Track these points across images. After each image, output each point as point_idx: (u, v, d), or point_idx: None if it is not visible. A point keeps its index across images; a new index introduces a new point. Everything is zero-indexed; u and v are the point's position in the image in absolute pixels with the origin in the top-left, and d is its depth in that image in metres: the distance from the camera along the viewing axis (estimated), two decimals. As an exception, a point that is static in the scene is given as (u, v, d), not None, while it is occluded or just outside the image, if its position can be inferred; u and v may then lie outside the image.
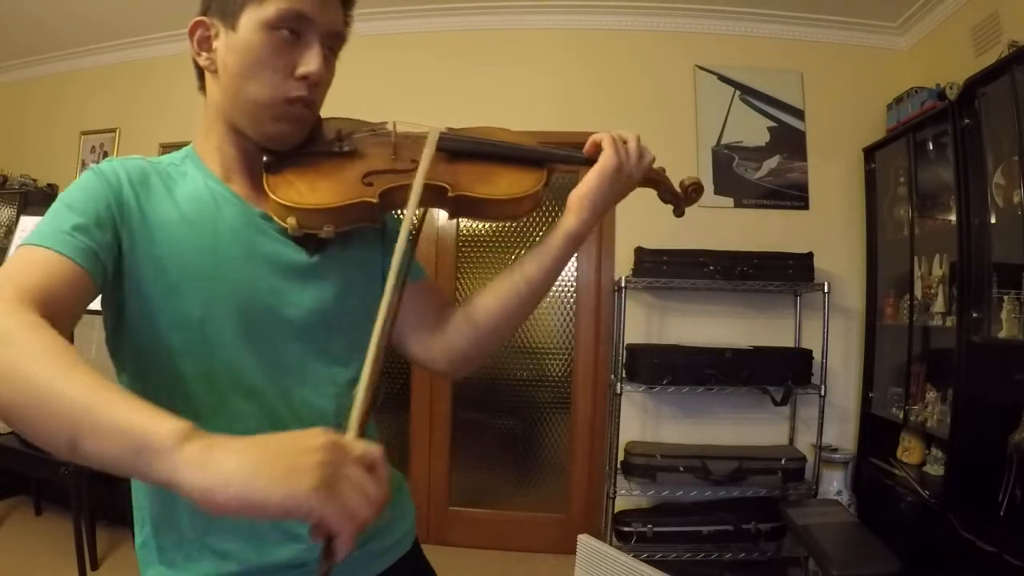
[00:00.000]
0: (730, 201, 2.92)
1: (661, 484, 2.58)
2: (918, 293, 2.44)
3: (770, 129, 2.96)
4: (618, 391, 2.64)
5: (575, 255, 0.83)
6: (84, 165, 3.54)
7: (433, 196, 0.75)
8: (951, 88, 2.23)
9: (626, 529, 2.59)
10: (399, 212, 0.74)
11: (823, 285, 2.63)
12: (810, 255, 2.70)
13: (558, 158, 0.83)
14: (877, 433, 2.69)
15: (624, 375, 2.68)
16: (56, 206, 0.64)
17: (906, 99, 2.60)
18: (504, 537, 3.02)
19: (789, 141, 2.96)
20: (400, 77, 3.02)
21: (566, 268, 0.83)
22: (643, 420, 2.90)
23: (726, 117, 2.97)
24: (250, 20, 0.69)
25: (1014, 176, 1.97)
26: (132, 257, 0.67)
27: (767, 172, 2.95)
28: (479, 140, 0.81)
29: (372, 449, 0.48)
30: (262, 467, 0.43)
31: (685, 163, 2.92)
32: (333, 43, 0.74)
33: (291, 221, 0.70)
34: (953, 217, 2.23)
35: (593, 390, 3.01)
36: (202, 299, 0.68)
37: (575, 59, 3.03)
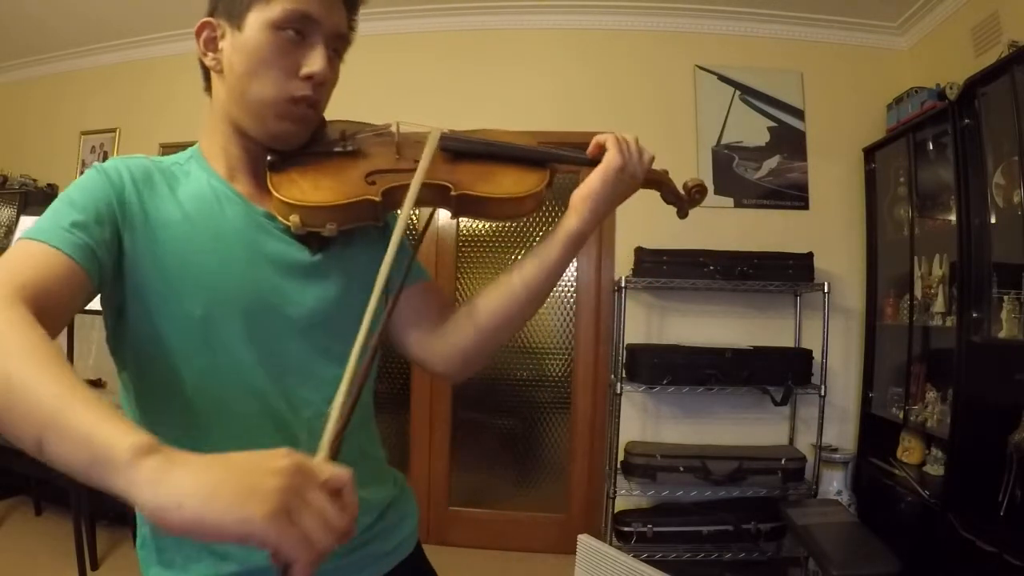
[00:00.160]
0: (730, 201, 2.93)
1: (661, 484, 2.58)
2: (918, 293, 2.44)
3: (770, 129, 2.96)
4: (618, 391, 2.64)
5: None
6: (84, 165, 3.54)
7: (436, 195, 0.76)
8: (951, 88, 2.23)
9: (626, 529, 2.59)
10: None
11: (823, 285, 2.63)
12: (810, 255, 2.70)
13: (561, 158, 0.83)
14: (877, 433, 2.69)
15: (624, 375, 2.68)
16: (57, 202, 0.64)
17: (906, 99, 2.60)
18: (504, 537, 3.02)
19: (789, 141, 2.96)
20: (400, 77, 3.02)
21: (567, 268, 0.83)
22: (643, 420, 2.90)
23: (726, 117, 2.97)
24: (256, 20, 0.70)
25: (1014, 176, 1.97)
26: (134, 256, 0.67)
27: (767, 172, 2.95)
28: (481, 140, 0.81)
29: (339, 473, 0.46)
30: (219, 489, 0.41)
31: (685, 163, 2.92)
32: (337, 45, 0.75)
33: (294, 219, 0.70)
34: (953, 217, 2.23)
35: (593, 390, 3.01)
36: (204, 298, 0.68)
37: (575, 59, 3.03)
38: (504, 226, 3.13)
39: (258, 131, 0.73)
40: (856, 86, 2.95)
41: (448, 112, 2.97)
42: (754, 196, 2.93)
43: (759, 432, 2.84)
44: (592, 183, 0.77)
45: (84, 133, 3.55)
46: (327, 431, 0.52)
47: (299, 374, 0.72)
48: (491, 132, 0.86)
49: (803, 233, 2.87)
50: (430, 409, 3.08)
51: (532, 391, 3.15)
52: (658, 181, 0.87)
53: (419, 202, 0.72)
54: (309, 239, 0.74)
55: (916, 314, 2.45)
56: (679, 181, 0.90)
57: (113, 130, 3.48)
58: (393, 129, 0.81)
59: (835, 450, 2.71)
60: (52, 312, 0.55)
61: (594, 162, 0.80)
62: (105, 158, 3.47)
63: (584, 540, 1.29)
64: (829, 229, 2.91)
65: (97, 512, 2.68)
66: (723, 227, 2.82)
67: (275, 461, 0.43)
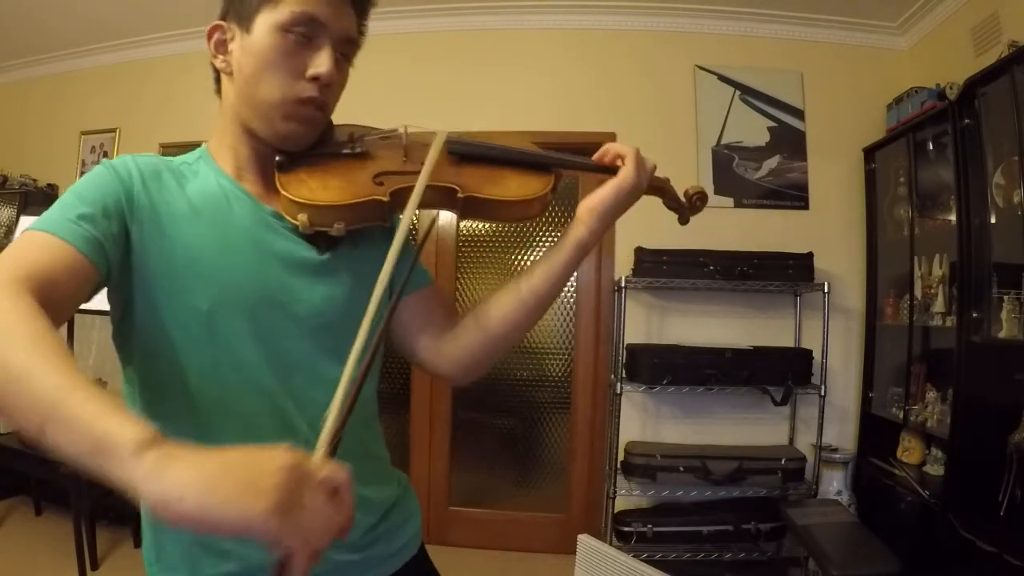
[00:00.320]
0: (730, 201, 2.93)
1: (661, 484, 2.58)
2: (918, 293, 2.44)
3: (770, 129, 2.96)
4: (618, 391, 2.64)
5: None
6: (84, 165, 3.54)
7: (443, 197, 0.77)
8: (951, 88, 2.23)
9: (626, 529, 2.59)
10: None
11: (823, 285, 2.63)
12: (810, 255, 2.70)
13: (566, 163, 0.85)
14: (877, 433, 2.69)
15: (624, 375, 2.68)
16: (65, 196, 0.65)
17: (906, 99, 2.60)
18: (504, 537, 3.02)
19: (789, 141, 2.96)
20: (400, 77, 3.02)
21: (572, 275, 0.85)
22: (643, 420, 2.90)
23: (726, 117, 2.97)
24: (264, 23, 0.71)
25: (1014, 176, 1.97)
26: (141, 250, 0.67)
27: (767, 172, 2.95)
28: (488, 144, 0.82)
29: (337, 473, 0.46)
30: (219, 483, 0.41)
31: (685, 163, 2.92)
32: (345, 48, 0.75)
33: (302, 218, 0.71)
34: (953, 217, 2.23)
35: (593, 390, 3.01)
36: (211, 293, 0.68)
37: (575, 59, 3.03)
38: (504, 227, 3.13)
39: (266, 132, 0.74)
40: (856, 86, 2.95)
41: (448, 112, 2.97)
42: (754, 196, 2.93)
43: (759, 432, 2.84)
44: (604, 196, 0.79)
45: (84, 133, 3.55)
46: (326, 428, 0.53)
47: (305, 374, 0.73)
48: (491, 137, 0.87)
49: (803, 233, 2.87)
50: (430, 409, 3.08)
51: (532, 391, 3.15)
52: (660, 188, 0.87)
53: (426, 204, 0.73)
54: (317, 239, 0.75)
55: (916, 314, 2.45)
56: (680, 186, 0.91)
57: (113, 130, 3.48)
58: (400, 132, 0.82)
59: (835, 450, 2.71)
60: (57, 303, 0.56)
61: (600, 168, 0.82)
62: (105, 158, 3.49)
63: (584, 540, 1.29)
64: (829, 229, 2.91)
65: (97, 512, 2.68)
66: (723, 227, 2.82)
67: (274, 457, 0.44)
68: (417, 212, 0.72)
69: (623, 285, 2.68)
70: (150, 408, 0.70)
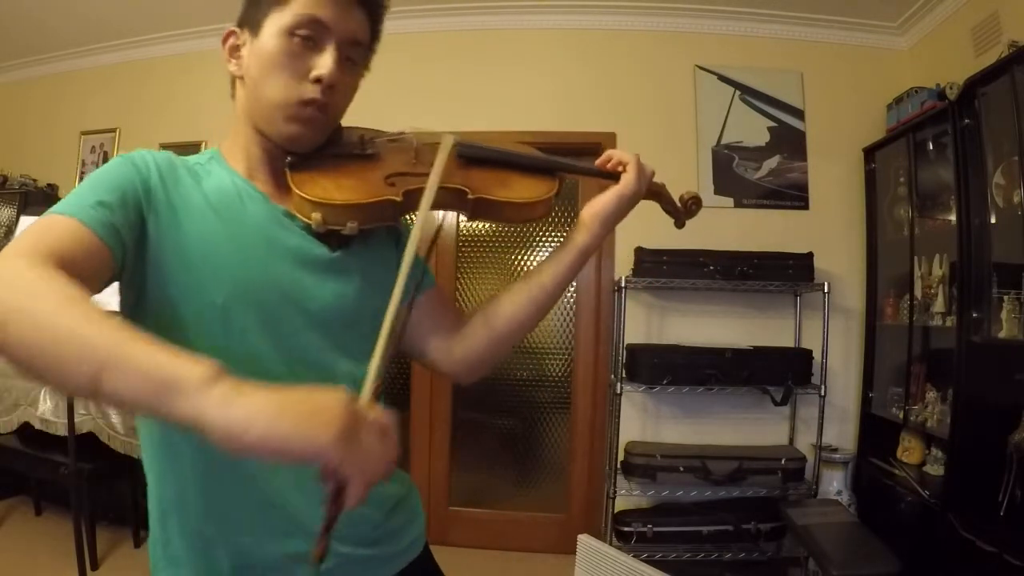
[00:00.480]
0: (730, 201, 2.93)
1: (661, 484, 2.58)
2: (918, 293, 2.44)
3: (770, 129, 2.96)
4: (618, 391, 2.64)
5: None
6: (84, 165, 3.54)
7: (454, 198, 0.79)
8: (951, 88, 2.23)
9: (626, 529, 2.59)
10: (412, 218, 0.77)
11: (823, 285, 2.63)
12: (810, 255, 2.70)
13: (570, 168, 0.88)
14: (877, 433, 2.69)
15: (624, 375, 2.68)
16: (82, 185, 0.66)
17: (906, 99, 2.60)
18: (504, 537, 3.02)
19: (789, 141, 2.96)
20: (400, 77, 3.01)
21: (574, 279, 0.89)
22: (643, 420, 2.90)
23: (726, 117, 2.97)
24: (271, 26, 0.72)
25: (1014, 176, 1.97)
26: (157, 241, 0.68)
27: (767, 172, 2.95)
28: (495, 148, 0.85)
29: (385, 415, 0.50)
30: (286, 411, 0.45)
31: (685, 163, 2.92)
32: (352, 51, 0.76)
33: (316, 217, 0.72)
34: (953, 217, 2.23)
35: (593, 390, 3.01)
36: (225, 287, 0.69)
37: (575, 59, 3.03)
38: (503, 228, 3.13)
39: (271, 133, 0.75)
40: (856, 86, 2.95)
41: (448, 112, 2.97)
42: (754, 196, 2.93)
43: (759, 432, 2.84)
44: (607, 203, 0.83)
45: (84, 133, 3.55)
46: (369, 376, 0.56)
47: (316, 368, 0.73)
48: (492, 138, 0.90)
49: (803, 233, 2.87)
50: (430, 409, 3.08)
51: (532, 391, 3.15)
52: (658, 194, 0.92)
53: (437, 204, 0.75)
54: (329, 237, 0.76)
55: (916, 314, 2.45)
56: (677, 190, 0.94)
57: (113, 130, 3.48)
58: (410, 135, 0.84)
59: (835, 450, 2.71)
60: (78, 281, 0.56)
61: (603, 174, 0.85)
62: (105, 158, 3.49)
63: (584, 540, 1.29)
64: (829, 229, 2.91)
65: (97, 512, 2.68)
66: (723, 227, 2.82)
67: (333, 396, 0.48)
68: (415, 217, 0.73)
69: (623, 285, 2.68)
70: None
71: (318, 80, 0.72)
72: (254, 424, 0.44)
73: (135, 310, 0.70)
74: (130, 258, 0.66)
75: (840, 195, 2.93)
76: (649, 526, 2.59)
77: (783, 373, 2.59)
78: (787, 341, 2.83)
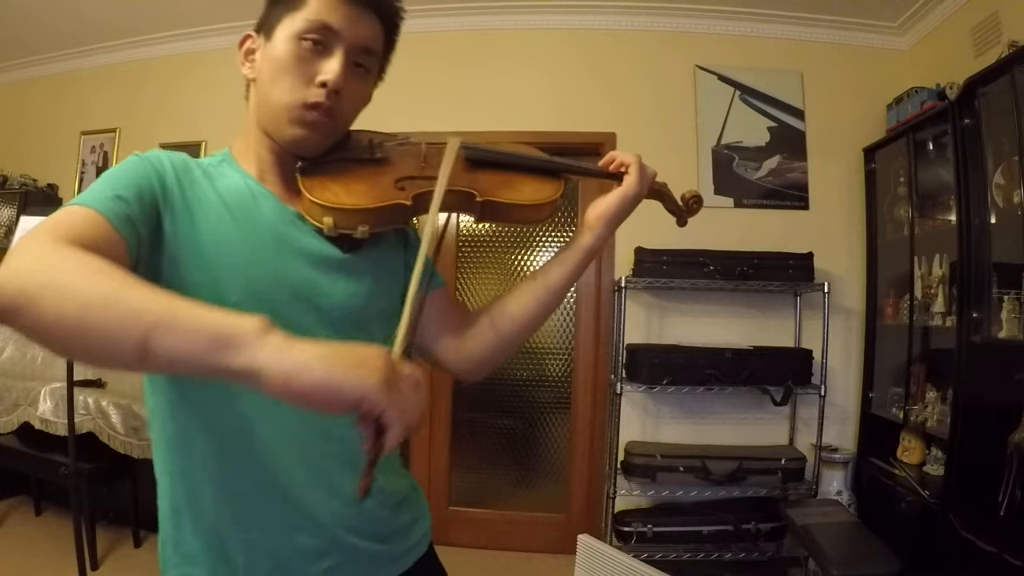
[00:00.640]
0: (730, 201, 2.93)
1: (661, 484, 2.58)
2: (918, 293, 2.44)
3: (770, 129, 2.96)
4: (618, 391, 2.64)
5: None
6: (84, 165, 3.54)
7: (462, 201, 0.81)
8: (951, 88, 2.23)
9: (626, 529, 2.59)
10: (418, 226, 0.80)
11: (823, 285, 2.63)
12: (810, 255, 2.70)
13: (574, 170, 0.91)
14: (877, 433, 2.69)
15: (624, 375, 2.68)
16: (99, 180, 0.67)
17: (906, 99, 2.60)
18: (504, 537, 3.02)
19: (789, 141, 2.96)
20: (400, 77, 3.00)
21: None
22: (643, 420, 2.90)
23: (726, 117, 2.97)
24: (283, 31, 0.74)
25: (1014, 176, 1.97)
26: (173, 238, 0.69)
27: (767, 172, 2.95)
28: (501, 151, 0.87)
29: (416, 370, 0.54)
30: (337, 359, 0.49)
31: (685, 163, 2.92)
32: (363, 59, 0.77)
33: (327, 220, 0.73)
34: (953, 217, 2.23)
35: (593, 390, 3.01)
36: (239, 285, 0.70)
37: (575, 59, 3.03)
38: (503, 228, 3.13)
39: (277, 135, 0.76)
40: (856, 86, 2.95)
41: (448, 112, 2.97)
42: (754, 196, 2.93)
43: (759, 432, 2.84)
44: (610, 205, 0.84)
45: (84, 133, 3.55)
46: (399, 335, 0.59)
47: None
48: (492, 138, 0.91)
49: (803, 233, 2.87)
50: (430, 409, 3.08)
51: (532, 391, 3.15)
52: (660, 193, 0.93)
53: (446, 207, 0.76)
54: (341, 240, 0.77)
55: (916, 314, 2.45)
56: (678, 190, 0.95)
57: (113, 130, 3.49)
58: (418, 139, 0.85)
59: (835, 450, 2.71)
60: None
61: (606, 175, 0.87)
62: (105, 158, 3.49)
63: (584, 540, 1.29)
64: (829, 229, 2.91)
65: (97, 512, 2.68)
66: (723, 227, 2.82)
67: (371, 350, 0.52)
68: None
69: (623, 285, 2.68)
70: (177, 394, 0.71)
71: (323, 84, 0.73)
72: (311, 368, 0.47)
73: None
74: (144, 253, 0.66)
75: (840, 195, 2.93)
76: (649, 526, 2.59)
77: (783, 373, 2.59)
78: (787, 341, 2.83)
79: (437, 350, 0.88)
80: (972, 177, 2.14)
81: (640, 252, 2.73)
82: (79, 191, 3.54)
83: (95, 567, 2.55)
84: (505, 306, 0.86)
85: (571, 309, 3.08)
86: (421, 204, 0.77)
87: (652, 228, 2.71)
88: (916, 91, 2.53)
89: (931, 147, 2.50)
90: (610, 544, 2.12)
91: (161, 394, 0.72)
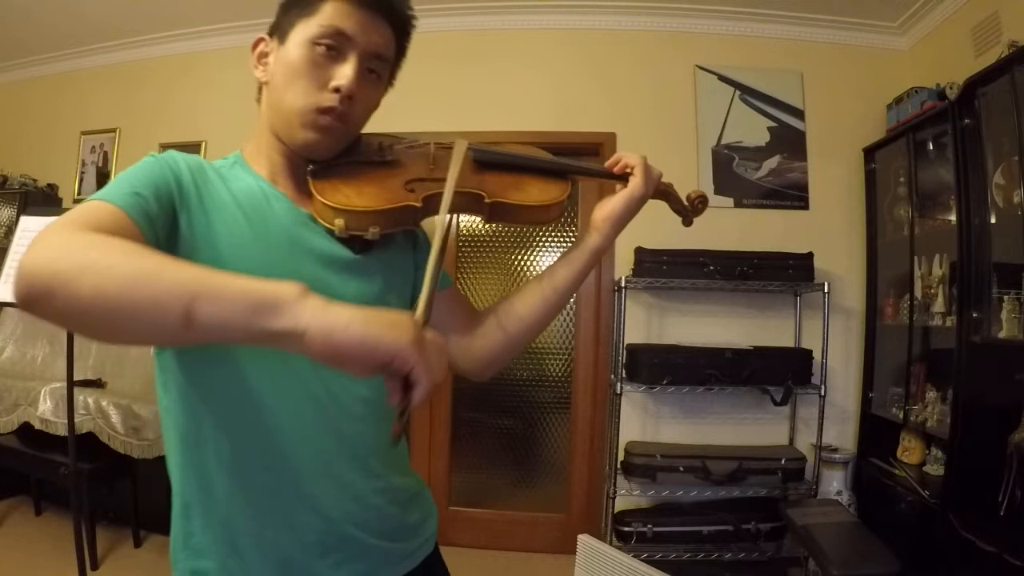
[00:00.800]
0: (730, 201, 2.93)
1: (661, 484, 2.58)
2: (918, 293, 2.44)
3: (770, 129, 2.96)
4: (618, 391, 2.64)
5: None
6: (84, 165, 3.54)
7: (471, 202, 0.82)
8: (951, 88, 2.23)
9: (626, 529, 2.59)
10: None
11: (823, 285, 2.63)
12: (810, 255, 2.70)
13: (581, 171, 0.91)
14: (877, 433, 2.69)
15: (624, 375, 2.68)
16: (115, 179, 0.67)
17: (906, 99, 2.60)
18: (504, 537, 3.02)
19: (789, 141, 2.96)
20: (400, 77, 3.01)
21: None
22: (643, 420, 2.90)
23: (726, 117, 2.97)
24: (298, 36, 0.75)
25: (1014, 176, 1.97)
26: (190, 239, 0.70)
27: (767, 172, 2.95)
28: (508, 153, 0.88)
29: (438, 336, 0.57)
30: (372, 319, 0.52)
31: (685, 163, 2.92)
32: (375, 65, 0.78)
33: (339, 223, 0.74)
34: (953, 217, 2.23)
35: (593, 390, 3.01)
36: None
37: (575, 59, 3.03)
38: (503, 228, 3.13)
39: (289, 139, 0.77)
40: (856, 86, 2.95)
41: (448, 112, 2.97)
42: (754, 196, 2.93)
43: (759, 432, 2.84)
44: (616, 206, 0.85)
45: (84, 133, 3.55)
46: (420, 305, 0.61)
47: None
48: (506, 146, 0.92)
49: (803, 233, 2.87)
50: (430, 409, 3.08)
51: (532, 391, 3.15)
52: (666, 194, 0.94)
53: (455, 208, 0.77)
54: (351, 241, 0.78)
55: (916, 314, 2.45)
56: (679, 190, 0.96)
57: (113, 130, 3.49)
58: (427, 141, 0.87)
59: (835, 450, 2.71)
60: None
61: (612, 176, 0.88)
62: (105, 158, 3.49)
63: (584, 540, 1.29)
64: (829, 229, 2.91)
65: (97, 512, 2.68)
66: (723, 227, 2.82)
67: (401, 314, 0.55)
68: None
69: (623, 285, 2.68)
70: (192, 387, 0.72)
71: (337, 90, 0.74)
72: (350, 326, 0.51)
73: None
74: (161, 250, 0.67)
75: (840, 195, 2.93)
76: (649, 526, 2.59)
77: (783, 373, 2.59)
78: (787, 341, 2.83)
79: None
80: (972, 177, 2.14)
81: (640, 252, 2.73)
82: (79, 191, 3.55)
83: (95, 567, 2.55)
84: (512, 306, 0.87)
85: (571, 309, 3.08)
86: (431, 206, 0.78)
87: (652, 228, 2.72)
88: (916, 91, 2.53)
89: (931, 147, 2.50)
90: (610, 544, 2.12)
91: (174, 390, 0.73)
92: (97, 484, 2.63)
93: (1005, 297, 1.99)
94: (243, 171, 0.79)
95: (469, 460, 3.18)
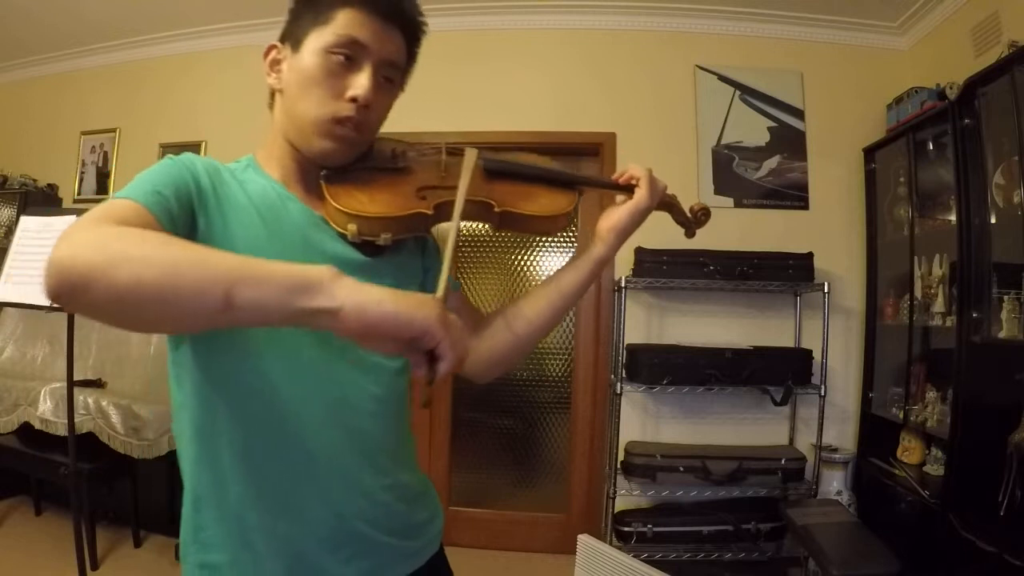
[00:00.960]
0: (730, 201, 2.93)
1: (661, 484, 2.58)
2: (918, 293, 2.44)
3: (770, 129, 2.96)
4: (618, 391, 2.64)
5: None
6: (84, 165, 3.54)
7: (480, 211, 0.83)
8: (951, 88, 2.23)
9: (626, 529, 2.59)
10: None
11: (823, 285, 2.63)
12: (810, 255, 2.70)
13: (588, 182, 0.94)
14: (877, 433, 2.69)
15: (624, 375, 2.68)
16: (135, 180, 0.68)
17: (906, 99, 2.60)
18: (504, 537, 3.02)
19: (789, 141, 2.96)
20: (400, 77, 3.02)
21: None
22: (643, 420, 2.90)
23: (726, 117, 2.97)
24: (312, 44, 0.76)
25: (1014, 176, 1.97)
26: (207, 238, 0.71)
27: (767, 172, 2.95)
28: (518, 163, 0.89)
29: (455, 316, 0.60)
30: (402, 298, 0.56)
31: (685, 163, 2.92)
32: (390, 72, 0.79)
33: (352, 228, 0.76)
34: (953, 217, 2.23)
35: (593, 390, 3.01)
36: None
37: (575, 59, 3.03)
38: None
39: (304, 147, 0.78)
40: (856, 86, 2.95)
41: (448, 112, 2.97)
42: (754, 196, 2.93)
43: (759, 432, 2.84)
44: (621, 217, 0.87)
45: (84, 133, 3.55)
46: (439, 289, 0.64)
47: (351, 357, 0.76)
48: (518, 155, 0.94)
49: (803, 233, 2.87)
50: (430, 409, 3.08)
51: (532, 391, 3.15)
52: (670, 205, 0.96)
53: (466, 216, 0.78)
54: (363, 246, 0.79)
55: (916, 314, 2.44)
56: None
57: (113, 130, 3.49)
58: (439, 149, 0.88)
59: (835, 450, 2.71)
60: None
61: (618, 187, 0.90)
62: (105, 158, 3.49)
63: (584, 540, 1.29)
64: (829, 229, 2.91)
65: (97, 512, 2.68)
66: (723, 227, 2.81)
67: (426, 295, 0.59)
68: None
69: (623, 285, 2.68)
70: (205, 376, 0.73)
71: (353, 99, 0.75)
72: (384, 303, 0.55)
73: None
74: None
75: (840, 195, 2.93)
76: (649, 526, 2.59)
77: (783, 373, 2.59)
78: (787, 341, 2.83)
79: None
80: (972, 177, 2.14)
81: (640, 252, 2.73)
82: (79, 191, 3.55)
83: (95, 567, 2.55)
84: (520, 309, 0.88)
85: (571, 309, 3.07)
86: (442, 213, 0.80)
87: (652, 228, 2.71)
88: (916, 91, 2.53)
89: (931, 147, 2.50)
90: (610, 544, 2.12)
91: (188, 384, 0.74)
92: (97, 484, 2.63)
93: (1005, 297, 1.99)
94: (256, 174, 0.80)
95: (469, 460, 3.18)
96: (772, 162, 2.95)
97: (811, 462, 2.66)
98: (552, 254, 3.17)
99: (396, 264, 0.83)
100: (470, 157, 0.82)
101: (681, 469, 2.57)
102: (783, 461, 2.58)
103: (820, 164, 2.94)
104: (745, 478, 2.56)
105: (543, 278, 3.14)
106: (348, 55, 0.75)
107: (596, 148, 2.97)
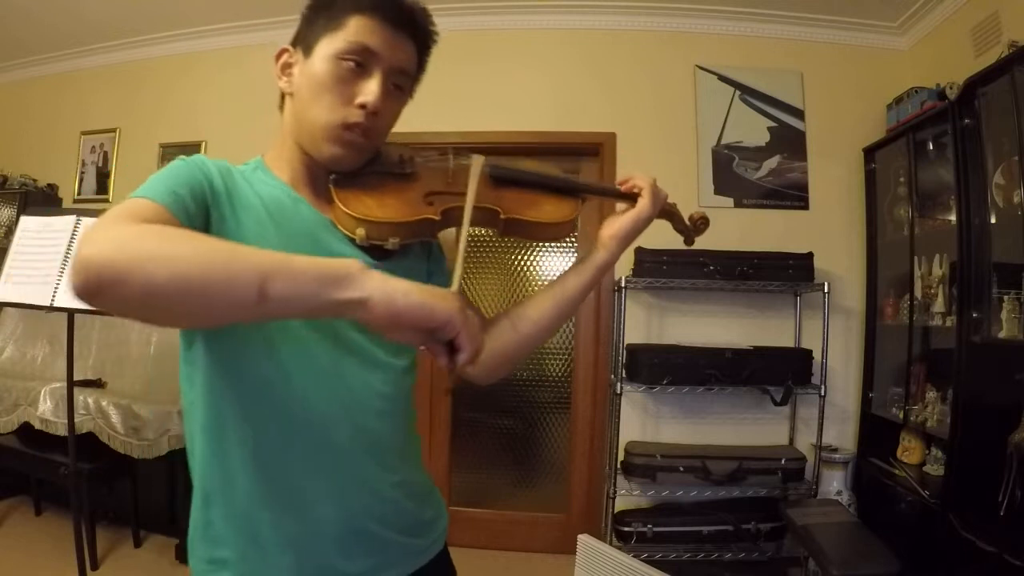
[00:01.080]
0: (730, 201, 2.93)
1: (661, 484, 2.58)
2: (918, 293, 2.44)
3: (770, 129, 2.96)
4: (618, 391, 2.64)
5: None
6: (84, 165, 3.54)
7: (487, 217, 0.85)
8: (951, 88, 2.23)
9: (626, 529, 2.59)
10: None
11: (823, 285, 2.63)
12: (810, 255, 2.70)
13: (592, 190, 0.96)
14: (877, 433, 2.69)
15: (624, 375, 2.68)
16: (150, 180, 0.69)
17: (906, 99, 2.59)
18: (504, 537, 3.02)
19: (789, 141, 2.96)
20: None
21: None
22: (643, 420, 2.90)
23: (726, 117, 2.97)
24: (323, 50, 0.76)
25: (1014, 176, 1.97)
26: (220, 236, 0.70)
27: (767, 172, 2.95)
28: (523, 170, 0.91)
29: (472, 312, 0.64)
30: (425, 290, 0.60)
31: (685, 163, 2.92)
32: (399, 80, 0.80)
33: (360, 232, 0.77)
34: (953, 217, 2.23)
35: (593, 390, 3.01)
36: None
37: (575, 59, 3.03)
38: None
39: (313, 152, 0.79)
40: (856, 86, 2.95)
41: (448, 112, 2.96)
42: (754, 196, 2.93)
43: (759, 432, 2.84)
44: (624, 225, 0.90)
45: (84, 133, 3.55)
46: (456, 271, 0.68)
47: (359, 356, 0.78)
48: (521, 162, 0.95)
49: (803, 233, 2.87)
50: (430, 409, 3.08)
51: (532, 391, 3.15)
52: (670, 214, 0.97)
53: (472, 222, 0.79)
54: (370, 250, 0.79)
55: (916, 314, 2.44)
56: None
57: (113, 130, 3.49)
58: (446, 155, 0.89)
59: (835, 450, 2.71)
60: None
61: (621, 195, 0.93)
62: (105, 158, 3.49)
63: (584, 540, 1.29)
64: (829, 229, 2.91)
65: (97, 512, 2.68)
66: (723, 227, 2.80)
67: (444, 289, 0.62)
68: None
69: (623, 285, 2.68)
70: (217, 373, 0.73)
71: (363, 106, 0.75)
72: (410, 293, 0.58)
73: None
74: None
75: (840, 195, 2.93)
76: (649, 526, 2.59)
77: (783, 373, 2.59)
78: (787, 341, 2.83)
79: None
80: (972, 177, 2.14)
81: (640, 252, 2.72)
82: (79, 191, 3.55)
83: (95, 567, 2.55)
84: (524, 310, 0.90)
85: (574, 314, 3.07)
86: (449, 219, 0.81)
87: (652, 228, 2.71)
88: (916, 91, 2.53)
89: (931, 147, 2.50)
90: (610, 544, 2.12)
91: (200, 383, 0.74)
92: (97, 484, 2.63)
93: (1005, 297, 1.99)
94: (266, 175, 0.81)
95: (469, 460, 3.18)
96: (772, 162, 2.95)
97: (811, 462, 2.66)
98: (552, 256, 3.17)
99: (403, 268, 0.83)
100: (477, 164, 0.83)
101: (681, 469, 2.57)
102: (783, 461, 2.58)
103: (820, 164, 2.94)
104: (745, 478, 2.56)
105: (543, 280, 3.16)
106: (359, 62, 0.75)
107: (596, 148, 2.97)
